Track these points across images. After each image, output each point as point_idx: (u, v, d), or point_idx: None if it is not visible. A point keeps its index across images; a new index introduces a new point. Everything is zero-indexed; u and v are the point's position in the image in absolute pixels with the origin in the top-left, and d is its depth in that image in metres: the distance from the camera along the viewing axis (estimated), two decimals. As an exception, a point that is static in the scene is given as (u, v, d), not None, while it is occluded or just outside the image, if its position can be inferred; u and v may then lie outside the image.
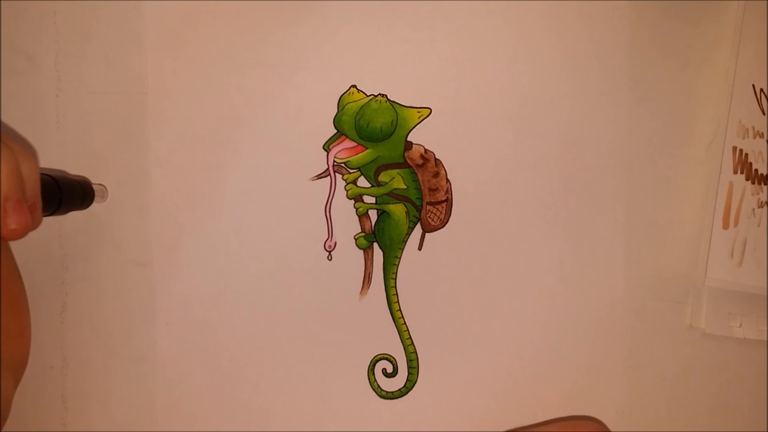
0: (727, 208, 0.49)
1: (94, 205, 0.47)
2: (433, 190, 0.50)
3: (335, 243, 0.50)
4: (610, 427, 0.51)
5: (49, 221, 0.49)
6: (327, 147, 0.49)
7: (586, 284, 0.51)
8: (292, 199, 0.49)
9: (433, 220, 0.50)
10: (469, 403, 0.52)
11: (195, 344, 0.50)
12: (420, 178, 0.50)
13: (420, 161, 0.50)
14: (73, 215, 0.46)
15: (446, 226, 0.50)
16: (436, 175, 0.50)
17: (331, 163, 0.49)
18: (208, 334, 0.50)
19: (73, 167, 0.49)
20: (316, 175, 0.49)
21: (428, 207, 0.50)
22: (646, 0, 0.51)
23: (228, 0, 0.48)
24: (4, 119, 0.48)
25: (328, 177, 0.49)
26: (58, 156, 0.48)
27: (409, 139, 0.49)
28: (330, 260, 0.50)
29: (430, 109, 0.49)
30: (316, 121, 0.49)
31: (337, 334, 0.50)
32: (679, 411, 0.53)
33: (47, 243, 0.49)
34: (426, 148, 0.50)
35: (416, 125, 0.49)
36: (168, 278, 0.49)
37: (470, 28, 0.49)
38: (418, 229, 0.50)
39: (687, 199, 0.52)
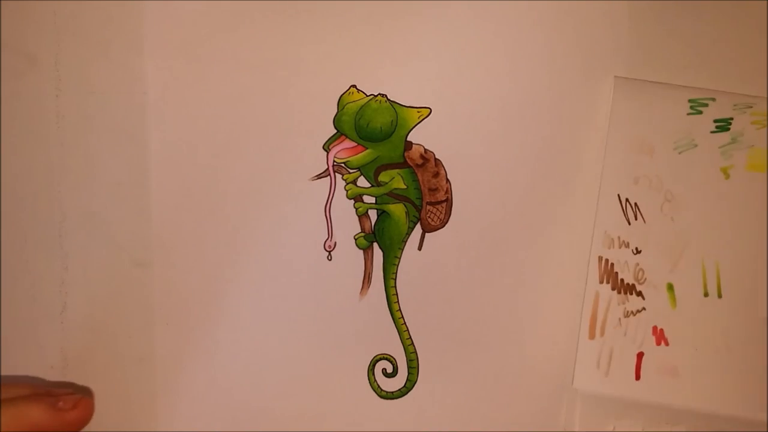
0: (593, 318, 0.49)
1: (94, 205, 0.47)
2: (433, 190, 0.50)
3: (335, 243, 0.50)
4: None
5: (48, 221, 0.49)
6: (327, 147, 0.49)
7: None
8: (292, 199, 0.49)
9: (433, 220, 0.50)
10: (469, 403, 0.51)
11: (195, 344, 0.50)
12: (420, 178, 0.50)
13: (420, 161, 0.50)
14: (73, 215, 0.46)
15: (446, 226, 0.50)
16: (436, 175, 0.50)
17: (330, 163, 0.49)
18: (208, 334, 0.50)
19: (73, 167, 0.49)
20: (316, 175, 0.49)
21: (428, 207, 0.50)
22: (647, 0, 0.51)
23: (228, 0, 0.48)
24: (4, 119, 0.48)
25: (328, 177, 0.49)
26: (58, 156, 0.49)
27: (409, 139, 0.49)
28: (330, 260, 0.50)
29: (430, 109, 0.49)
30: (315, 121, 0.49)
31: (336, 334, 0.50)
32: None
33: (47, 243, 0.49)
34: (426, 147, 0.50)
35: (416, 125, 0.49)
36: (168, 278, 0.49)
37: (470, 27, 0.49)
38: (418, 229, 0.50)
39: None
